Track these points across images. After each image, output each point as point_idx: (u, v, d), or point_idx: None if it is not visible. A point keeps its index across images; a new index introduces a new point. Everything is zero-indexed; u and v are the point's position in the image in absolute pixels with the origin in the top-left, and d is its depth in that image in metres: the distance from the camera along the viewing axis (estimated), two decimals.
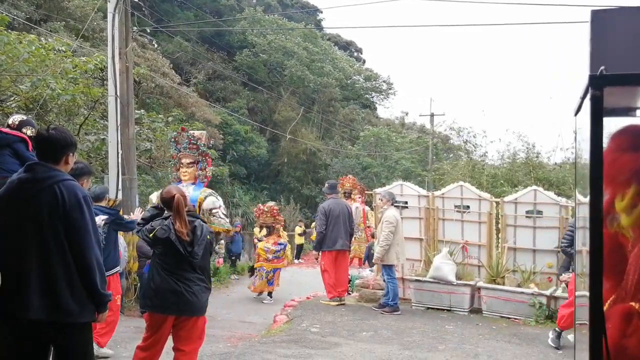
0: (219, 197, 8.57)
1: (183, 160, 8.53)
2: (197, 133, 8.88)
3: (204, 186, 8.51)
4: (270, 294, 12.39)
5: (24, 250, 3.32)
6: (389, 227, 9.02)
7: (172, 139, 8.96)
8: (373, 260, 10.01)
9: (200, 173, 8.54)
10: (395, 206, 9.65)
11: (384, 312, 9.13)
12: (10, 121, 4.84)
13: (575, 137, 2.68)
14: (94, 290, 3.43)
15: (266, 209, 12.89)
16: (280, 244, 12.58)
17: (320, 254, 10.09)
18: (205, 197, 8.26)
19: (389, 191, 9.90)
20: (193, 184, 8.46)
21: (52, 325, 3.35)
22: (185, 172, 8.50)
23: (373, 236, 13.98)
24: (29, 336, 3.35)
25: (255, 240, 14.51)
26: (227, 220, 8.58)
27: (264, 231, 12.96)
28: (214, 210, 8.23)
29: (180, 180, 8.53)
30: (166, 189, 4.95)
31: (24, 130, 4.67)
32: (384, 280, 9.48)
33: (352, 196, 14.75)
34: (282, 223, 13.74)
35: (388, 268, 9.23)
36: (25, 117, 4.97)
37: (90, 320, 3.56)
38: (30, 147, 4.52)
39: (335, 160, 32.28)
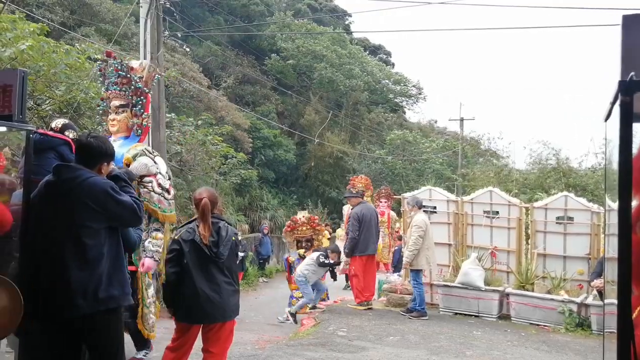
0: (158, 160, 5.58)
1: (112, 103, 5.69)
2: (133, 63, 5.88)
3: (138, 141, 5.67)
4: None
5: (58, 250, 3.42)
6: (417, 231, 8.98)
7: (99, 70, 6.08)
8: (403, 265, 9.97)
9: (135, 121, 5.65)
10: (424, 211, 9.62)
11: (411, 317, 9.09)
12: (53, 125, 5.01)
13: (605, 143, 2.65)
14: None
15: (305, 220, 11.00)
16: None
17: (349, 259, 10.06)
18: (135, 158, 5.33)
19: (415, 197, 9.89)
20: (126, 137, 5.65)
21: (86, 319, 3.43)
22: (114, 120, 5.63)
23: (400, 239, 13.90)
24: (63, 336, 3.44)
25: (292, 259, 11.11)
26: (170, 197, 5.45)
27: (300, 251, 10.73)
28: (145, 180, 5.31)
29: (110, 134, 5.70)
30: (198, 190, 4.98)
31: (66, 133, 4.81)
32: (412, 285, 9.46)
33: (364, 197, 14.28)
34: (324, 234, 12.13)
35: (415, 273, 9.19)
36: (67, 121, 5.13)
37: (126, 304, 3.75)
38: (74, 150, 4.62)
39: (363, 163, 32.19)
